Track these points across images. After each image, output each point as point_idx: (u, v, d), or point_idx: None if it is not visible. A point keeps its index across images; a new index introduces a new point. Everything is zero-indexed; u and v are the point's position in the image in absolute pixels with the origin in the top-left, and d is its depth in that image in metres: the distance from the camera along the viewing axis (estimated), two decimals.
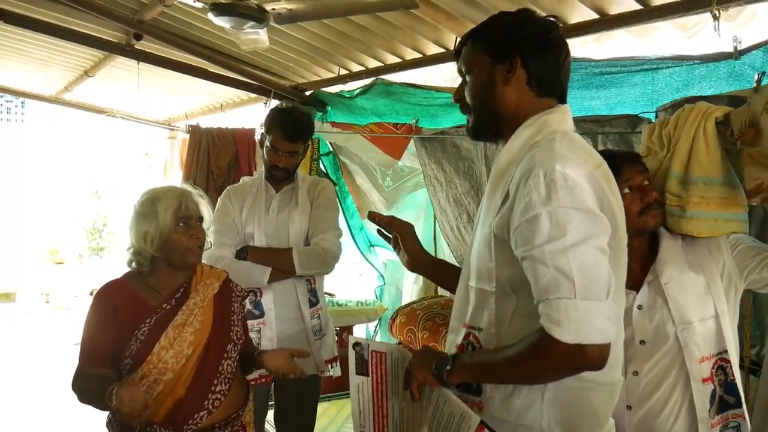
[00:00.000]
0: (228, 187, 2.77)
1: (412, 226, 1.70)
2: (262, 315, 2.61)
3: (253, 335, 2.46)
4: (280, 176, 2.63)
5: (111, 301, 1.81)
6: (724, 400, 1.70)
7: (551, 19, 1.38)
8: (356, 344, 1.53)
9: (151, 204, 1.84)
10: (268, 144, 2.57)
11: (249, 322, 2.48)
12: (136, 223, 1.84)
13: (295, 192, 2.67)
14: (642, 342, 1.70)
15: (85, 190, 14.41)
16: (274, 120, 2.57)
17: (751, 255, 1.74)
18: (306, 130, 2.59)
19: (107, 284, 1.87)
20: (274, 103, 4.54)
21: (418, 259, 1.67)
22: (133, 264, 1.88)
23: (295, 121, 2.56)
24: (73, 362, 1.82)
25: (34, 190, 14.66)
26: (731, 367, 1.71)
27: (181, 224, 1.84)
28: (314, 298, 2.67)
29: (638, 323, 1.71)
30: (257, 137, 4.70)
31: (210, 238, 1.99)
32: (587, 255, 1.16)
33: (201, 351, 1.82)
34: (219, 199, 2.69)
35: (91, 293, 7.29)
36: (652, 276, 1.72)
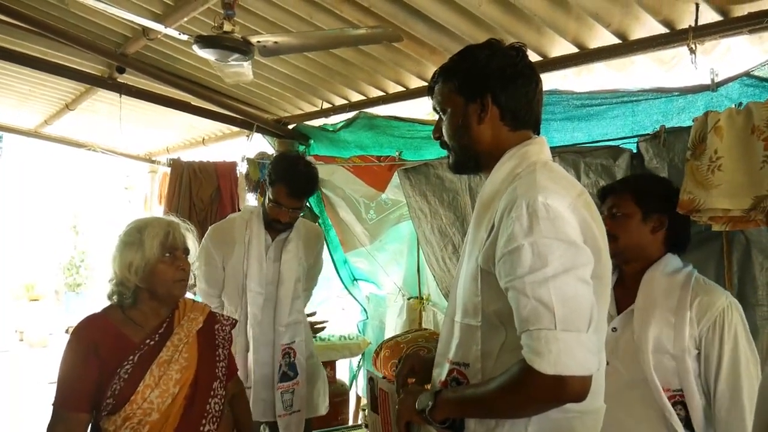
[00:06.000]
0: (210, 228, 2.69)
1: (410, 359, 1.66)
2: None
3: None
4: (280, 229, 2.59)
5: (90, 338, 1.71)
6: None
7: (518, 45, 1.38)
8: (371, 379, 1.50)
9: (137, 232, 1.78)
10: (270, 196, 2.46)
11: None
12: (120, 252, 1.77)
13: (292, 239, 2.61)
14: (608, 362, 1.72)
15: (63, 225, 14.17)
16: (280, 174, 2.45)
17: None
18: (313, 187, 2.50)
19: (86, 319, 1.77)
20: (257, 137, 4.54)
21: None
22: (115, 296, 1.79)
23: (303, 178, 2.46)
24: (47, 401, 1.73)
25: (10, 225, 14.41)
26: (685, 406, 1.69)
27: (168, 254, 1.77)
28: (292, 372, 2.61)
29: (608, 344, 1.70)
30: (239, 170, 4.69)
31: (194, 273, 1.93)
32: (568, 286, 1.15)
33: (188, 390, 1.74)
34: (203, 240, 2.61)
35: (67, 331, 7.12)
36: (630, 308, 1.77)
